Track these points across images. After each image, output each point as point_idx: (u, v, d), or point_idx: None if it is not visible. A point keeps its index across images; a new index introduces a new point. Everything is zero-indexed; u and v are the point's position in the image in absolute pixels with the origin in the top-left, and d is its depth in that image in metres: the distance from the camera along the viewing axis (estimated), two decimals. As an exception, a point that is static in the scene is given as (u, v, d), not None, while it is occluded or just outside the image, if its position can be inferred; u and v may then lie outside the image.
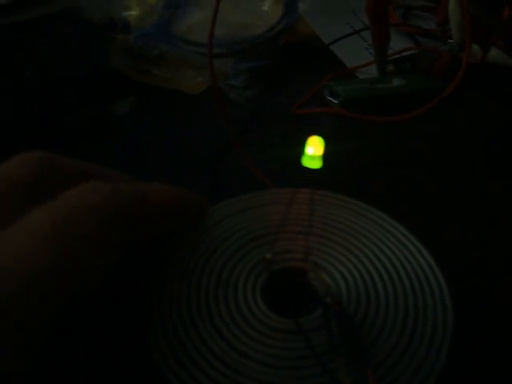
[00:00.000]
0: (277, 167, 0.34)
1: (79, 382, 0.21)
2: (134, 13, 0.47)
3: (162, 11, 0.49)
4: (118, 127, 0.40)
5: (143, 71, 0.45)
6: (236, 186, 0.33)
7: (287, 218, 0.25)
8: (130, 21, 0.45)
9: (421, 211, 0.31)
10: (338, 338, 0.20)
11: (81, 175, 0.22)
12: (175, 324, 0.21)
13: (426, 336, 0.21)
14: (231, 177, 0.34)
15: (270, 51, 0.46)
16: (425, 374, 0.20)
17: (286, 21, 0.48)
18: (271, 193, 0.27)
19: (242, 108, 0.41)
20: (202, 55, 0.43)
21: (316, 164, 0.20)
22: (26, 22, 0.39)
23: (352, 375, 0.19)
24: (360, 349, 0.20)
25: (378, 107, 0.41)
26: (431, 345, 0.21)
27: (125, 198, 0.20)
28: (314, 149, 0.20)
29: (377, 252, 0.24)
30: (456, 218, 0.31)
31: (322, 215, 0.26)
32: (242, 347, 0.21)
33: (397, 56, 0.46)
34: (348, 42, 0.47)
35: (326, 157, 0.20)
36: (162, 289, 0.23)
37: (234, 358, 0.20)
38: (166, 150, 0.37)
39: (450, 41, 0.46)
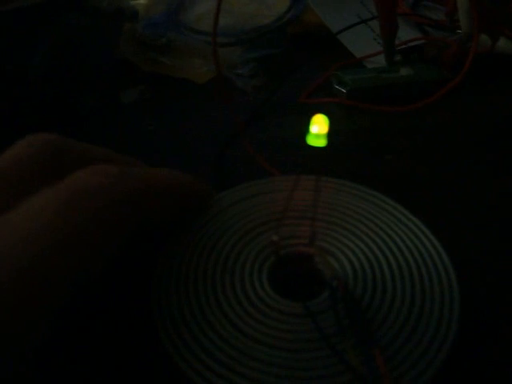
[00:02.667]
0: (284, 155, 0.34)
1: (85, 370, 0.21)
2: (141, 1, 0.47)
3: (170, 0, 0.49)
4: (124, 116, 0.40)
5: (151, 60, 0.45)
6: (242, 174, 0.33)
7: (292, 203, 0.25)
8: (138, 9, 0.45)
9: (428, 198, 0.31)
10: (345, 321, 0.21)
11: (90, 158, 0.22)
12: (182, 309, 0.21)
13: (433, 318, 0.21)
14: (237, 166, 0.34)
15: (277, 41, 0.46)
16: (432, 356, 0.20)
17: (293, 10, 0.48)
18: (276, 180, 0.27)
19: (249, 97, 0.41)
20: (210, 44, 0.43)
21: (321, 142, 0.20)
22: (32, 9, 0.38)
23: (360, 356, 0.19)
24: (367, 330, 0.20)
25: (386, 96, 0.41)
26: (438, 326, 0.21)
27: (131, 181, 0.21)
28: (318, 127, 0.20)
29: (383, 236, 0.24)
30: (463, 205, 0.31)
31: (327, 201, 0.26)
32: (250, 330, 0.21)
33: (405, 46, 0.45)
34: (356, 31, 0.47)
35: (331, 138, 0.20)
36: (169, 275, 0.23)
37: (242, 342, 0.20)
38: (173, 139, 0.37)
39: (458, 31, 0.46)
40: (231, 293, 0.22)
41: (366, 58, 0.45)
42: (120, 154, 0.24)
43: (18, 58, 0.38)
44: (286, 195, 0.25)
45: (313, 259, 0.24)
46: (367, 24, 0.48)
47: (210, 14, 0.45)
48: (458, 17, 0.45)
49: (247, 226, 0.25)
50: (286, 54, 0.46)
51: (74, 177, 0.19)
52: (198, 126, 0.38)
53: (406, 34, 0.46)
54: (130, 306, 0.22)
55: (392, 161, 0.35)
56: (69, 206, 0.18)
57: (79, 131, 0.36)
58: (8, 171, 0.20)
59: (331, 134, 0.21)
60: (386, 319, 0.21)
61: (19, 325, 0.17)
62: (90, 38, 0.42)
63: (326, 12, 0.48)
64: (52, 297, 0.17)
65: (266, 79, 0.43)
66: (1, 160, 0.21)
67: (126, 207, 0.20)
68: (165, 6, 0.48)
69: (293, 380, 0.19)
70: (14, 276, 0.16)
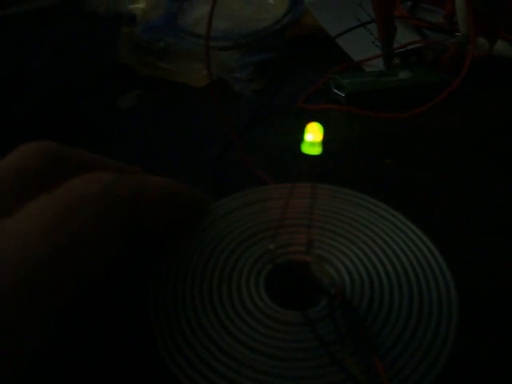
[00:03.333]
0: (281, 161, 0.34)
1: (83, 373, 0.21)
2: (140, 6, 0.47)
3: (168, 4, 0.49)
4: (122, 120, 0.40)
5: (149, 64, 0.45)
6: (238, 182, 0.33)
7: (288, 211, 0.25)
8: (136, 14, 0.45)
9: (426, 203, 0.31)
10: (344, 328, 0.20)
11: (87, 166, 0.22)
12: (180, 319, 0.21)
13: (431, 323, 0.21)
14: (236, 171, 0.34)
15: (275, 44, 0.46)
16: (432, 361, 0.20)
17: (291, 14, 0.48)
18: (270, 188, 0.27)
19: (246, 101, 0.41)
20: (209, 48, 0.43)
21: (316, 150, 0.20)
22: (31, 14, 0.38)
23: (360, 364, 0.19)
24: (366, 337, 0.20)
25: (384, 100, 0.41)
26: (437, 331, 0.21)
27: (127, 188, 0.21)
28: (313, 135, 0.20)
29: (379, 242, 0.24)
30: (461, 210, 0.31)
31: (323, 208, 0.26)
32: (247, 340, 0.21)
33: (403, 49, 0.45)
34: (354, 35, 0.47)
35: (329, 144, 0.20)
36: (166, 285, 0.23)
37: (239, 352, 0.20)
38: (170, 144, 0.37)
39: (457, 34, 0.46)
40: (228, 302, 0.22)
41: (364, 62, 0.45)
42: (117, 160, 0.24)
43: (16, 62, 0.38)
44: (281, 204, 0.25)
45: (310, 267, 0.24)
46: (366, 27, 0.48)
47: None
48: (456, 20, 0.45)
49: (244, 234, 0.25)
50: (284, 58, 0.46)
51: (71, 184, 0.20)
52: (196, 131, 0.38)
53: (405, 37, 0.46)
54: (128, 312, 0.22)
55: (391, 165, 0.35)
56: (66, 212, 0.19)
57: (78, 136, 0.36)
58: (7, 177, 0.21)
59: (329, 140, 0.21)
60: (384, 325, 0.21)
61: (22, 328, 0.17)
62: (89, 43, 0.42)
63: (324, 15, 0.48)
64: (53, 301, 0.18)
65: (264, 83, 0.43)
66: (2, 165, 0.21)
67: (121, 213, 0.20)
68: (163, 10, 0.48)
69: None
70: (16, 281, 0.17)
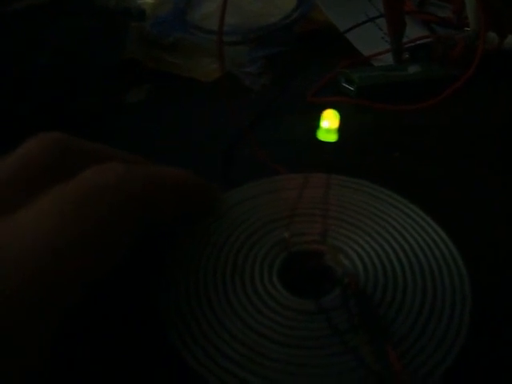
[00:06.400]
0: (292, 153, 0.34)
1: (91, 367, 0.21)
2: (149, 1, 0.47)
3: (176, 0, 0.49)
4: (131, 115, 0.40)
5: (158, 59, 0.45)
6: (249, 175, 0.33)
7: (302, 201, 0.25)
8: (145, 9, 0.45)
9: (437, 194, 0.31)
10: (358, 317, 0.20)
11: (97, 157, 0.22)
12: (192, 307, 0.21)
13: (445, 311, 0.21)
14: (246, 165, 0.34)
15: (285, 39, 0.46)
16: (446, 349, 0.20)
17: (301, 9, 0.48)
18: (285, 178, 0.27)
19: (257, 95, 0.41)
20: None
21: (331, 137, 0.20)
22: (39, 9, 0.38)
23: (374, 352, 0.19)
24: (379, 326, 0.20)
25: (393, 94, 0.40)
26: (451, 320, 0.21)
27: (140, 178, 0.21)
28: (329, 122, 0.20)
29: (392, 232, 0.24)
30: (473, 201, 0.31)
31: (338, 198, 0.26)
32: (261, 328, 0.21)
33: (412, 44, 0.45)
34: (363, 30, 0.47)
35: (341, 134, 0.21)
36: (179, 273, 0.23)
37: (253, 340, 0.20)
38: (180, 138, 0.37)
39: (466, 29, 0.46)
40: (242, 291, 0.22)
41: (373, 57, 0.45)
42: (128, 152, 0.24)
43: (19, 61, 0.38)
44: (296, 193, 0.25)
45: (324, 256, 0.24)
46: (375, 22, 0.48)
47: (217, 13, 0.45)
48: (465, 14, 0.45)
49: (257, 223, 0.25)
50: (293, 53, 0.46)
51: (83, 175, 0.19)
52: (204, 125, 0.38)
53: (414, 32, 0.46)
54: (139, 304, 0.22)
55: (400, 158, 0.35)
56: (79, 206, 0.18)
57: (85, 132, 0.36)
58: (18, 169, 0.20)
59: (338, 132, 0.21)
60: (398, 314, 0.21)
61: (29, 327, 0.17)
62: (97, 38, 0.42)
63: (333, 10, 0.48)
64: (64, 297, 0.17)
65: (273, 77, 0.43)
66: (12, 158, 0.21)
67: (134, 204, 0.20)
68: (172, 5, 0.48)
69: (306, 377, 0.19)
70: (27, 277, 0.16)
